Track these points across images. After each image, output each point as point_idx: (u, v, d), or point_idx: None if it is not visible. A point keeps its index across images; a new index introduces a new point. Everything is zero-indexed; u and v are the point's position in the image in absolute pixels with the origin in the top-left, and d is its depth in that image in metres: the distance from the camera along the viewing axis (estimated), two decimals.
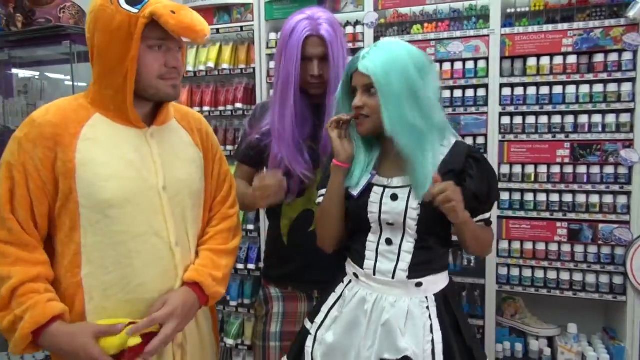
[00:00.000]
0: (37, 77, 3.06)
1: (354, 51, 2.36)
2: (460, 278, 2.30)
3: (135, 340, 1.09)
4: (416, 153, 1.15)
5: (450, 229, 1.25)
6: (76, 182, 1.08)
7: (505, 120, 2.17)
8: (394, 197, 1.19)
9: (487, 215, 1.25)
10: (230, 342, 2.65)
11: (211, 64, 2.61)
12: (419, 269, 1.19)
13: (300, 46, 1.40)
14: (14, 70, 3.05)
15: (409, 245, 1.19)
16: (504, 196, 2.20)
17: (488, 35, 2.14)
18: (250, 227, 2.61)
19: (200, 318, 1.33)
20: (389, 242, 1.21)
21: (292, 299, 1.53)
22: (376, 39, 2.30)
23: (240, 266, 2.63)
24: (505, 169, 2.19)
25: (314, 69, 1.42)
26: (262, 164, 1.56)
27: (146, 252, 1.15)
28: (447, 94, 2.24)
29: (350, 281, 1.28)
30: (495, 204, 2.16)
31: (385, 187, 1.22)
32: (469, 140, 2.22)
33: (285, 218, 1.53)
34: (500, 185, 2.18)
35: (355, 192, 1.23)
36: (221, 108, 2.65)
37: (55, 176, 1.09)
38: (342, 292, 1.28)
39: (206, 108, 2.66)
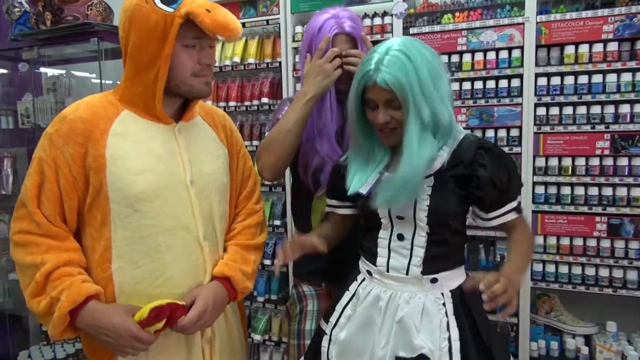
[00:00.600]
0: (65, 75, 3.09)
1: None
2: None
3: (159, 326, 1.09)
4: (412, 143, 1.10)
5: (465, 221, 1.22)
6: (107, 177, 1.10)
7: (541, 111, 2.09)
8: None
9: (514, 204, 1.18)
10: (257, 337, 2.65)
11: (237, 59, 2.59)
12: (433, 264, 1.16)
13: (331, 43, 1.40)
14: (43, 69, 3.08)
15: (421, 239, 1.16)
16: (539, 190, 2.13)
17: (523, 24, 2.06)
18: (277, 222, 2.59)
19: (229, 313, 1.33)
20: (400, 237, 1.17)
21: (327, 296, 1.50)
22: (405, 29, 2.25)
23: (267, 262, 2.62)
24: (540, 162, 2.11)
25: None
26: None
27: (175, 246, 1.16)
28: (479, 84, 2.17)
29: (363, 279, 1.25)
30: (530, 197, 2.11)
31: None
32: (502, 133, 2.16)
33: (316, 212, 1.50)
34: (536, 178, 2.11)
35: (364, 190, 1.20)
36: (247, 103, 2.63)
37: (86, 171, 1.11)
38: (355, 290, 1.25)
39: (232, 103, 2.65)
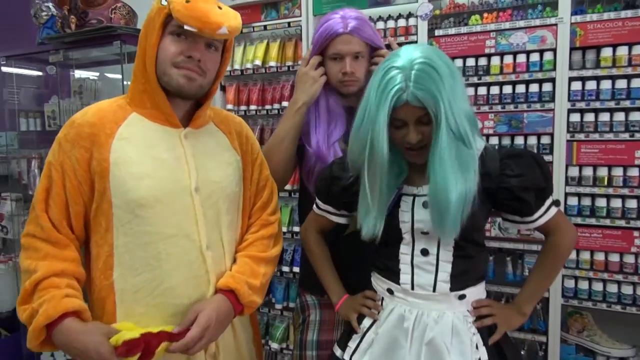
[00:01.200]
0: (91, 77, 3.13)
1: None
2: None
3: (132, 334, 1.02)
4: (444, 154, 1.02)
5: (483, 232, 1.18)
6: (110, 181, 1.08)
7: (575, 117, 1.97)
8: (426, 205, 1.09)
9: (548, 202, 1.12)
10: (275, 346, 2.60)
11: (258, 62, 2.56)
12: (459, 279, 1.10)
13: (328, 42, 1.38)
14: (73, 71, 3.13)
15: (447, 254, 1.10)
16: (572, 201, 2.00)
17: (556, 25, 1.94)
18: (296, 229, 2.53)
19: (238, 328, 1.27)
20: (424, 252, 1.11)
21: (329, 307, 1.44)
22: (430, 31, 2.16)
23: (285, 269, 2.56)
24: (573, 171, 1.99)
25: (346, 66, 1.37)
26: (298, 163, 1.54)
27: (175, 255, 1.12)
28: (508, 89, 2.06)
29: (382, 298, 1.18)
30: (562, 209, 1.99)
31: (415, 195, 1.12)
32: (532, 140, 2.05)
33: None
34: (568, 189, 1.99)
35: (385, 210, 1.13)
36: (268, 107, 2.59)
37: (91, 176, 1.09)
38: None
39: (253, 107, 2.62)
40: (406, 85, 0.98)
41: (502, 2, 2.07)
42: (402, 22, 2.25)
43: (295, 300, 1.56)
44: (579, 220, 1.99)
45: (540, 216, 1.11)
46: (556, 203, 1.15)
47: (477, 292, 1.14)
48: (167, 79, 1.10)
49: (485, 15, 2.09)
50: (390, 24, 2.28)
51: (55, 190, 1.09)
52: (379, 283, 1.20)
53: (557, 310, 2.02)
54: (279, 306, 2.63)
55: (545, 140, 2.03)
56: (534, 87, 2.02)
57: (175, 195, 1.12)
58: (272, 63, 2.54)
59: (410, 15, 2.26)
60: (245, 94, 2.66)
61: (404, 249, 1.13)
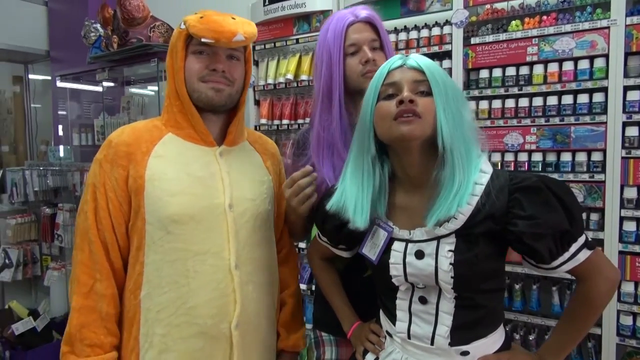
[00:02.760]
0: (139, 93, 3.26)
1: (441, 55, 2.09)
2: None
3: None
4: (458, 174, 0.89)
5: (504, 269, 0.98)
6: (144, 199, 1.09)
7: (632, 131, 1.73)
8: (420, 255, 0.94)
9: (581, 241, 0.90)
10: None
11: (290, 76, 2.52)
12: (463, 333, 0.94)
13: (343, 35, 1.22)
14: (120, 87, 3.28)
15: (448, 305, 0.94)
16: (629, 227, 1.76)
17: (608, 27, 1.73)
18: (302, 245, 2.44)
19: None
20: (423, 300, 0.96)
21: (346, 344, 1.33)
22: (466, 39, 2.01)
23: (302, 287, 2.48)
24: (630, 193, 1.75)
25: (367, 53, 1.21)
26: None
27: (203, 273, 1.11)
28: (553, 100, 1.87)
29: (386, 335, 1.06)
30: (617, 235, 1.75)
31: (407, 241, 0.96)
32: (581, 156, 1.83)
33: (338, 261, 1.32)
34: (624, 212, 1.75)
35: (373, 257, 0.99)
36: (300, 121, 2.54)
37: (129, 194, 1.11)
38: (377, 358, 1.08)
39: (285, 121, 2.58)
40: (402, 58, 0.95)
41: (546, 5, 1.88)
42: (436, 31, 2.12)
43: (310, 334, 1.45)
44: (637, 248, 1.74)
45: (564, 263, 0.90)
46: (589, 245, 0.91)
47: (485, 346, 0.95)
48: (197, 94, 1.13)
49: (527, 20, 1.91)
50: (424, 32, 2.16)
51: (101, 213, 1.10)
52: (382, 320, 1.09)
53: (611, 351, 1.78)
54: None
55: (596, 157, 1.80)
56: (583, 98, 1.81)
57: (208, 212, 1.12)
58: (304, 77, 2.49)
59: (446, 22, 2.12)
60: (278, 108, 2.63)
61: (402, 294, 0.99)
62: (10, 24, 3.61)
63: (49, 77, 3.88)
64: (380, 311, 1.10)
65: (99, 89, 3.26)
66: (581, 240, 0.90)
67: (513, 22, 1.93)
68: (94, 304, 1.08)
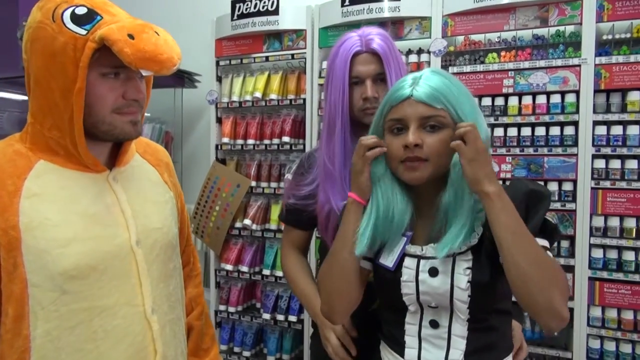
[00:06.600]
0: None
1: None
2: (540, 349, 1.94)
3: None
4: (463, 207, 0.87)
5: (510, 293, 0.92)
6: (22, 255, 0.84)
7: (600, 163, 1.84)
8: (433, 272, 0.90)
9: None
10: None
11: (258, 94, 2.41)
12: (478, 357, 0.91)
13: (348, 64, 1.17)
14: None
15: (461, 328, 0.91)
16: (597, 254, 1.85)
17: (579, 65, 1.84)
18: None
19: None
20: (434, 324, 0.92)
21: None
22: (443, 68, 2.05)
23: (280, 317, 2.36)
24: (598, 222, 1.85)
25: (367, 90, 1.17)
26: (312, 226, 1.31)
27: (115, 330, 0.91)
28: (527, 131, 1.94)
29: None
30: (586, 262, 1.83)
31: (419, 257, 0.92)
32: (553, 186, 1.91)
33: None
34: (593, 240, 1.85)
35: (389, 263, 0.93)
36: (267, 141, 2.43)
37: None
38: None
39: (250, 141, 2.46)
40: (413, 83, 0.88)
41: (522, 41, 1.97)
42: (413, 58, 2.14)
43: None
44: (605, 274, 1.84)
45: None
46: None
47: None
48: (108, 127, 0.89)
49: (503, 53, 1.98)
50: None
51: None
52: (386, 354, 1.01)
53: None
54: (271, 358, 2.40)
55: (567, 186, 1.89)
56: (554, 130, 1.90)
57: (113, 257, 0.90)
58: (273, 96, 2.40)
59: (421, 50, 2.15)
60: (242, 127, 2.50)
61: (410, 318, 0.94)
62: None
63: None
64: (382, 346, 1.03)
65: (24, 97, 2.92)
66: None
67: (490, 55, 2.00)
68: None
